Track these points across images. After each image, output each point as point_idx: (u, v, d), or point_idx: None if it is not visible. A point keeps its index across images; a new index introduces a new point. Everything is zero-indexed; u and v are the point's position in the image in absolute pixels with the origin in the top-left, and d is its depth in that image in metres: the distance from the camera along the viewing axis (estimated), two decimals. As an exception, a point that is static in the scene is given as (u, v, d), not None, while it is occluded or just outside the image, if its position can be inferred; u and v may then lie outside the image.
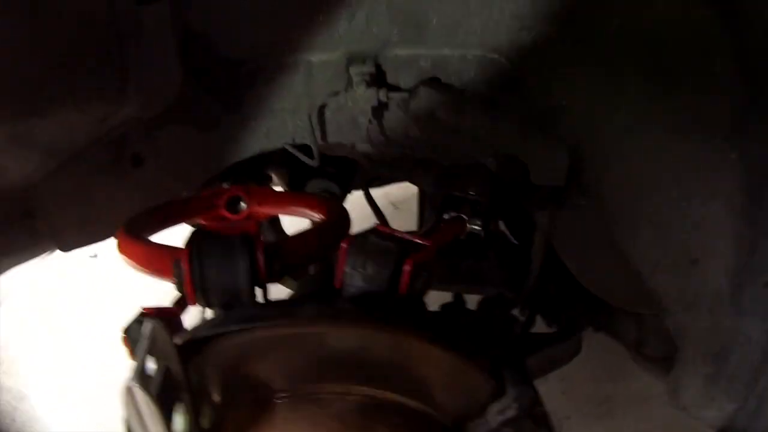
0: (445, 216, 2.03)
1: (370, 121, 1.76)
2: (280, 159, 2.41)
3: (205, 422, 1.37)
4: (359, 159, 2.06)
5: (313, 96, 1.79)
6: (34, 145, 1.54)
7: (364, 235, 1.58)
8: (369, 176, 2.59)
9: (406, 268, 1.50)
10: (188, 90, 1.74)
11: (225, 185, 2.22)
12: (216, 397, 1.39)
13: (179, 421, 1.23)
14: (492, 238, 2.13)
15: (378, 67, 1.69)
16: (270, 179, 2.51)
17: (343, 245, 1.55)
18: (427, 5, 1.59)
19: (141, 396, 1.12)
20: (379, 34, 1.65)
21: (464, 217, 2.00)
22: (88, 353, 4.16)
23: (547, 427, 1.41)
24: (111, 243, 1.91)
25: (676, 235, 1.50)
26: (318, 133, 1.84)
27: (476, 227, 2.00)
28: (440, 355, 1.37)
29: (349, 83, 1.71)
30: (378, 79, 1.70)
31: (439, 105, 1.65)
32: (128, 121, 1.69)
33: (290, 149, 1.90)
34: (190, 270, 1.46)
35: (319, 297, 1.59)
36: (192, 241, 1.50)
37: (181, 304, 1.66)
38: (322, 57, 1.73)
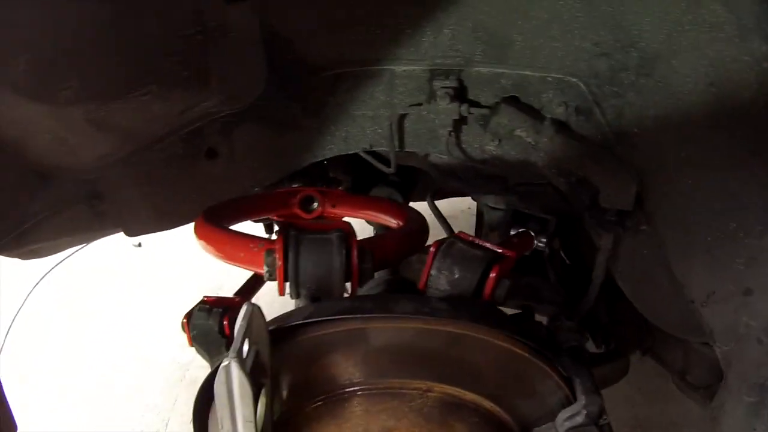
0: (512, 231, 2.07)
1: (449, 134, 1.79)
2: (344, 164, 2.46)
3: (275, 411, 1.40)
4: (430, 170, 2.09)
5: (394, 105, 1.82)
6: (110, 128, 1.58)
7: (452, 240, 1.62)
8: (432, 187, 2.61)
9: (492, 275, 1.55)
10: (270, 90, 1.77)
11: (296, 185, 2.28)
12: (291, 387, 1.42)
13: (260, 405, 1.27)
14: (553, 257, 2.16)
15: (460, 82, 1.72)
16: (339, 183, 2.54)
17: (432, 248, 1.60)
18: (512, 27, 1.62)
19: (237, 374, 1.16)
20: (464, 51, 1.67)
21: (531, 233, 2.04)
22: (97, 348, 4.23)
23: None
24: (159, 234, 1.97)
25: (732, 267, 1.52)
26: (396, 142, 1.88)
27: (541, 244, 2.04)
28: (524, 359, 1.41)
29: (432, 96, 1.75)
30: (460, 94, 1.73)
31: (518, 123, 1.69)
32: (207, 115, 1.73)
33: (364, 155, 1.95)
34: (284, 261, 1.52)
35: (412, 295, 1.62)
36: (287, 233, 1.56)
37: (244, 295, 1.71)
38: (405, 68, 1.76)
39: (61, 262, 4.61)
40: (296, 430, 1.43)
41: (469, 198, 2.48)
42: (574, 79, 1.64)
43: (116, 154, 1.75)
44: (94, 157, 1.71)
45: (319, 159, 1.96)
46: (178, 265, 4.72)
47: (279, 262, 1.53)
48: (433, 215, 2.48)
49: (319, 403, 1.44)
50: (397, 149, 1.90)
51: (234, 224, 1.92)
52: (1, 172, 1.63)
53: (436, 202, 2.83)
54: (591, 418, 1.41)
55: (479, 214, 2.52)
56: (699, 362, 2.13)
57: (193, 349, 1.60)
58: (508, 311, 1.89)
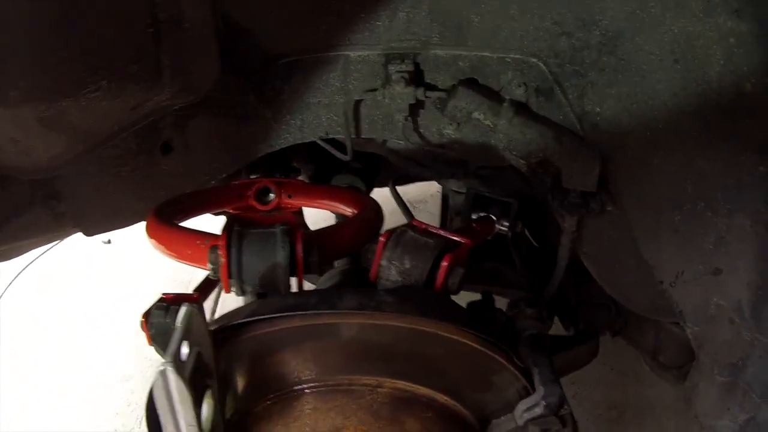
0: (474, 216, 2.04)
1: (406, 119, 1.76)
2: (306, 153, 2.42)
3: (227, 412, 1.38)
4: (389, 156, 2.06)
5: (349, 92, 1.79)
6: (63, 127, 1.54)
7: (403, 229, 1.59)
8: (395, 173, 2.59)
9: (444, 264, 1.51)
10: (224, 81, 1.74)
11: (254, 176, 2.23)
12: (241, 386, 1.39)
13: (206, 407, 1.24)
14: (517, 240, 2.13)
15: (416, 65, 1.69)
16: (298, 172, 2.50)
17: (381, 239, 1.56)
18: (469, 8, 1.59)
19: (174, 379, 1.12)
20: (420, 34, 1.64)
21: (493, 217, 2.01)
22: (94, 345, 4.17)
23: (573, 427, 1.42)
24: (127, 229, 1.93)
25: (700, 247, 1.50)
26: (352, 129, 1.85)
27: (503, 228, 2.01)
28: (476, 351, 1.37)
29: (387, 80, 1.71)
30: (416, 78, 1.70)
31: (476, 106, 1.66)
32: (161, 109, 1.69)
33: (321, 143, 1.91)
34: (227, 257, 1.48)
35: (358, 288, 1.60)
36: (230, 228, 1.52)
37: (203, 292, 1.67)
38: (360, 53, 1.73)
39: (30, 263, 4.58)
40: (246, 430, 1.40)
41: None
42: (534, 60, 1.61)
43: (70, 153, 1.68)
44: (48, 158, 1.65)
45: (276, 149, 1.93)
46: (148, 261, 4.64)
47: (222, 259, 1.49)
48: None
49: (269, 402, 1.41)
50: (353, 136, 1.87)
51: (188, 220, 1.87)
52: None
53: (405, 187, 2.80)
54: (550, 409, 1.38)
55: (444, 199, 2.50)
56: (671, 342, 2.11)
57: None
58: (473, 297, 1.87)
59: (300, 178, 2.54)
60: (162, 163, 1.89)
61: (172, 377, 1.12)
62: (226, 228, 1.55)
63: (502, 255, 2.27)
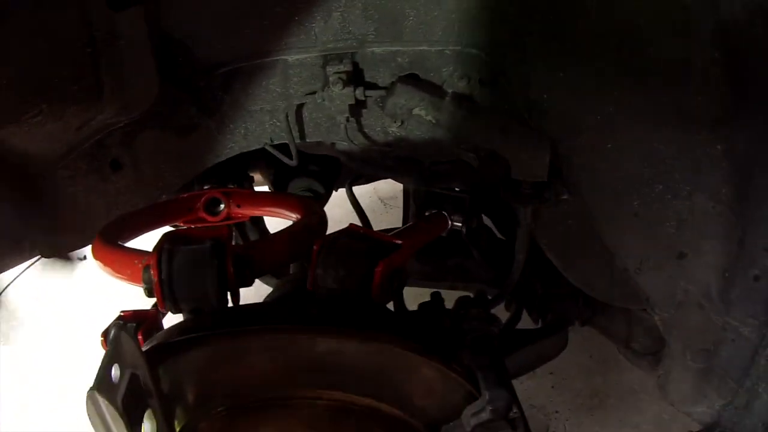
0: (427, 213, 2.02)
1: (347, 120, 1.75)
2: (263, 159, 2.40)
3: (178, 426, 1.36)
4: (341, 157, 2.03)
5: (290, 96, 1.78)
6: (8, 153, 1.54)
7: (336, 236, 1.59)
8: (352, 174, 2.56)
9: (378, 269, 1.50)
10: (165, 95, 1.73)
11: (206, 187, 2.21)
12: (188, 401, 1.37)
13: (148, 426, 1.23)
14: (476, 235, 2.11)
15: (355, 65, 1.68)
16: (252, 180, 2.48)
17: (315, 247, 1.56)
18: (403, 2, 1.57)
19: (104, 404, 1.11)
20: (355, 33, 1.63)
21: (444, 213, 1.99)
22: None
23: (524, 429, 1.39)
24: None
25: (662, 230, 1.48)
26: (296, 133, 1.83)
27: (458, 224, 1.99)
28: (411, 359, 1.36)
29: (326, 82, 1.70)
30: (355, 78, 1.68)
31: (416, 102, 1.63)
32: (105, 127, 1.69)
33: (270, 149, 1.89)
34: (158, 277, 1.45)
35: (290, 301, 1.61)
36: (161, 247, 1.49)
37: (159, 308, 1.65)
38: (298, 57, 1.71)
39: (31, 265, 4.55)
40: None
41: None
42: (475, 50, 1.59)
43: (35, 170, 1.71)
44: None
45: (223, 158, 1.91)
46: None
47: (154, 279, 1.46)
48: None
49: (213, 418, 1.38)
50: (298, 141, 1.85)
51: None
52: None
53: (376, 184, 2.79)
54: (498, 413, 1.34)
55: (406, 196, 2.48)
56: (642, 329, 2.09)
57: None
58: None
59: (260, 185, 2.53)
60: (113, 180, 1.87)
61: (102, 401, 1.11)
62: (158, 247, 1.51)
63: (466, 251, 2.25)
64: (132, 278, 1.53)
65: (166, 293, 1.45)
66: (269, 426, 1.36)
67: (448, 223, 2.00)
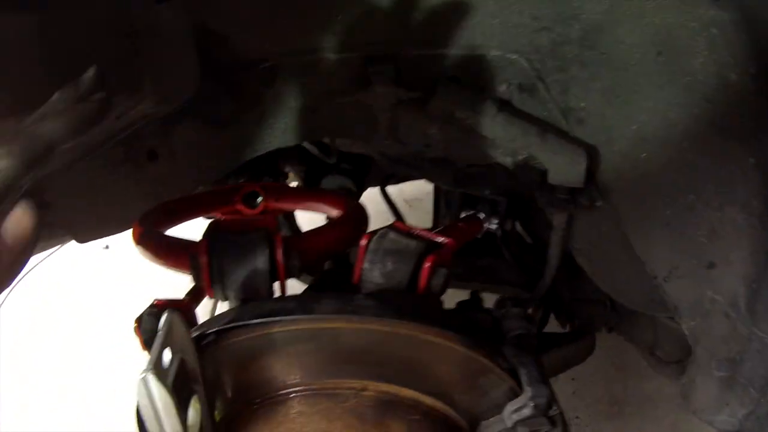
0: (462, 214, 2.03)
1: (388, 120, 1.75)
2: (296, 155, 2.41)
3: (218, 415, 1.38)
4: (376, 156, 2.05)
5: (331, 94, 1.77)
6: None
7: (384, 231, 1.59)
8: (385, 174, 2.58)
9: (426, 265, 1.50)
10: (205, 87, 1.72)
11: (241, 181, 2.22)
12: (229, 391, 1.39)
13: (192, 413, 1.24)
14: (508, 238, 2.12)
15: (397, 66, 1.67)
16: (286, 175, 2.49)
17: (363, 241, 1.56)
18: (447, 7, 1.57)
19: (155, 387, 1.11)
20: (398, 34, 1.63)
21: (481, 216, 2.00)
22: (95, 347, 4.18)
23: (563, 428, 1.40)
24: (124, 235, 1.93)
25: (693, 241, 1.49)
26: (335, 131, 1.85)
27: (493, 226, 2.00)
28: (458, 353, 1.36)
29: (368, 82, 1.69)
30: (396, 79, 1.68)
31: (457, 105, 1.63)
32: (144, 117, 1.66)
33: (307, 146, 1.90)
34: (208, 264, 1.48)
35: (337, 292, 1.56)
36: (210, 234, 1.52)
37: (194, 297, 1.67)
38: (340, 56, 1.71)
39: (34, 267, 4.56)
40: None
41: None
42: (515, 56, 1.58)
43: (57, 163, 1.62)
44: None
45: (260, 153, 1.91)
46: (148, 264, 4.63)
47: (203, 265, 1.49)
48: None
49: (255, 406, 1.40)
50: (337, 138, 1.88)
51: (175, 226, 1.90)
52: None
53: (401, 186, 2.79)
54: (539, 410, 1.36)
55: (436, 197, 2.49)
56: (668, 337, 2.09)
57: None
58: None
59: (293, 180, 2.54)
60: (149, 170, 1.88)
61: (154, 384, 1.11)
62: (207, 234, 1.54)
63: (499, 253, 2.26)
64: (176, 265, 1.58)
65: (215, 279, 1.48)
66: (314, 415, 1.37)
67: (483, 225, 2.01)
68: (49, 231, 1.87)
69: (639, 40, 1.41)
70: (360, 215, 1.82)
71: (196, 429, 1.25)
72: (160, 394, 1.12)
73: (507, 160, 1.68)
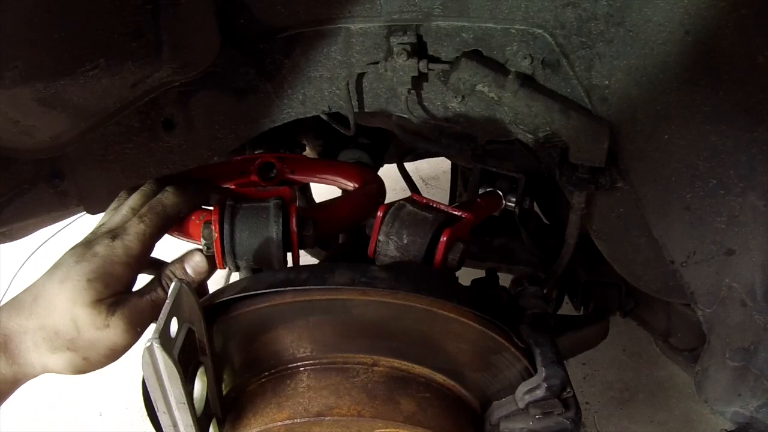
0: (480, 191, 2.01)
1: (409, 92, 1.73)
2: (313, 128, 2.40)
3: (225, 388, 1.38)
4: (395, 130, 2.03)
5: (351, 64, 1.76)
6: (63, 106, 1.53)
7: (401, 204, 1.57)
8: (403, 149, 2.57)
9: (443, 239, 1.48)
10: (224, 56, 1.74)
11: (258, 152, 2.21)
12: (237, 362, 1.38)
13: (199, 384, 1.24)
14: (526, 217, 2.11)
15: (419, 37, 1.66)
16: (303, 148, 2.48)
17: (379, 213, 1.54)
18: None
19: (161, 356, 1.11)
20: (421, 5, 1.61)
21: (499, 192, 1.99)
22: None
23: (575, 410, 1.39)
24: None
25: (712, 226, 1.49)
26: (355, 102, 1.82)
27: (511, 204, 1.99)
28: (473, 330, 1.35)
29: (389, 53, 1.69)
30: (419, 50, 1.67)
31: (480, 78, 1.62)
32: (161, 85, 1.69)
33: (325, 117, 1.89)
34: (220, 233, 1.47)
35: (352, 264, 1.54)
36: (223, 203, 1.50)
37: (218, 265, 1.66)
38: (361, 26, 1.70)
39: (39, 247, 4.52)
40: (241, 407, 1.39)
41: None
42: (540, 31, 1.57)
43: (72, 132, 1.71)
44: (49, 137, 1.68)
45: (278, 123, 1.90)
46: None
47: (215, 234, 1.48)
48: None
49: (263, 379, 1.39)
50: (356, 110, 1.84)
51: None
52: None
53: (417, 163, 2.77)
54: (552, 392, 1.34)
55: (454, 174, 2.47)
56: (682, 324, 2.09)
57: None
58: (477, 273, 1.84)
59: (307, 153, 2.53)
60: (165, 139, 1.88)
61: (159, 354, 1.11)
62: (219, 202, 1.53)
63: (514, 232, 2.24)
64: (189, 234, 1.57)
65: (226, 249, 1.48)
66: (323, 390, 1.36)
67: (502, 202, 2.00)
68: (62, 201, 1.87)
69: (667, 19, 1.39)
70: (377, 188, 1.81)
71: (201, 401, 1.26)
72: (165, 363, 1.12)
73: (528, 137, 1.67)
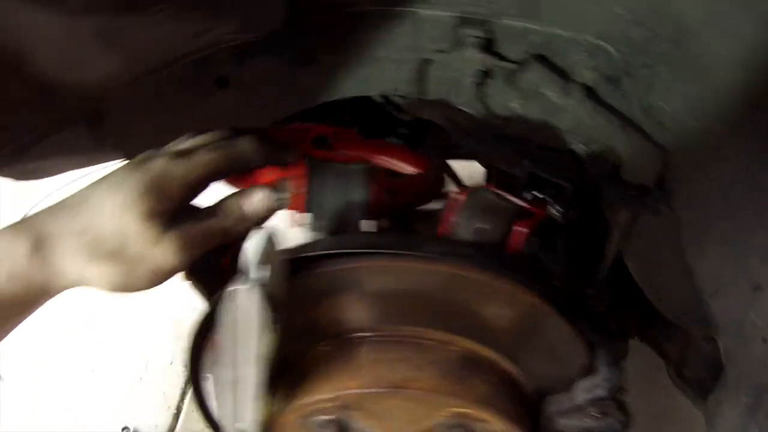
0: (527, 196, 2.05)
1: (473, 85, 1.77)
2: (349, 113, 2.42)
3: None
4: (445, 124, 2.02)
5: (418, 50, 1.79)
6: (122, 45, 1.54)
7: (480, 189, 1.63)
8: (441, 145, 2.59)
9: (522, 230, 1.56)
10: (289, 22, 1.74)
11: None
12: (297, 324, 1.40)
13: (265, 338, 1.25)
14: (567, 228, 2.14)
15: (489, 33, 1.69)
16: (353, 125, 2.50)
17: (460, 196, 1.59)
18: None
19: (255, 300, 1.15)
20: (495, 1, 1.64)
21: (548, 199, 2.02)
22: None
23: (627, 414, 1.46)
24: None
25: (745, 260, 1.51)
26: (416, 88, 1.85)
27: (556, 213, 2.01)
28: (554, 320, 1.39)
29: (459, 43, 1.71)
30: (488, 46, 1.70)
31: (546, 83, 1.67)
32: (221, 41, 1.70)
33: (379, 99, 1.96)
34: (308, 189, 1.52)
35: (434, 236, 1.61)
36: (311, 161, 1.57)
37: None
38: (432, 12, 1.72)
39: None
40: (301, 371, 1.41)
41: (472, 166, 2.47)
42: (606, 45, 1.62)
43: (123, 75, 1.72)
44: (100, 75, 1.67)
45: (335, 98, 1.95)
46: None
47: (301, 189, 1.52)
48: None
49: (326, 345, 1.42)
50: (417, 96, 1.87)
51: None
52: (2, 82, 1.56)
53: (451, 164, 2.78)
54: (611, 392, 1.41)
55: (488, 180, 2.49)
56: (697, 356, 2.12)
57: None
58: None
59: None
60: (215, 96, 1.91)
61: (255, 298, 1.14)
62: (303, 160, 1.59)
63: (551, 242, 2.26)
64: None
65: (313, 206, 1.53)
66: (399, 362, 1.40)
67: (548, 209, 2.03)
68: (98, 144, 1.89)
69: (729, 53, 1.43)
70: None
71: (268, 360, 1.29)
72: (257, 312, 1.16)
73: (581, 147, 1.73)
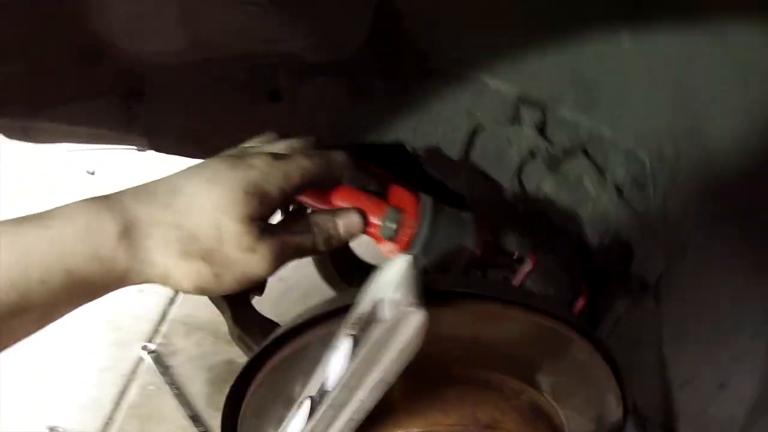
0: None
1: (517, 162, 1.87)
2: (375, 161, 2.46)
3: None
4: (466, 194, 2.03)
5: (474, 116, 1.89)
6: (196, 25, 1.56)
7: (546, 256, 1.69)
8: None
9: (580, 302, 1.65)
10: (360, 54, 1.79)
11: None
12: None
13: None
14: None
15: (545, 117, 1.80)
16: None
17: (531, 259, 1.67)
18: (606, 88, 1.71)
19: (405, 326, 1.11)
20: (557, 88, 1.75)
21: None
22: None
23: None
24: (111, 160, 1.96)
25: (716, 360, 1.65)
26: (461, 152, 1.92)
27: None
28: (612, 382, 1.47)
29: (516, 119, 1.82)
30: (542, 128, 1.82)
31: (589, 174, 1.81)
32: (288, 55, 1.72)
33: (421, 154, 2.01)
34: (421, 226, 1.55)
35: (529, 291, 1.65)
36: (425, 198, 1.60)
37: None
38: (497, 84, 1.82)
39: None
40: (386, 405, 1.32)
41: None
42: (642, 154, 1.73)
43: (182, 56, 1.72)
44: (158, 50, 1.69)
45: (382, 140, 1.99)
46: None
47: (413, 224, 1.53)
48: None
49: (413, 380, 1.34)
50: (458, 158, 1.94)
51: None
52: (57, 31, 1.57)
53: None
54: None
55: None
56: None
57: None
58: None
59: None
60: (263, 108, 1.95)
61: (408, 325, 1.08)
62: (414, 195, 1.59)
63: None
64: (331, 203, 1.55)
65: (420, 241, 1.53)
66: (486, 404, 1.41)
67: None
68: (127, 123, 1.95)
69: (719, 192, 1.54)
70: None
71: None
72: (404, 336, 1.12)
73: (595, 236, 1.87)
